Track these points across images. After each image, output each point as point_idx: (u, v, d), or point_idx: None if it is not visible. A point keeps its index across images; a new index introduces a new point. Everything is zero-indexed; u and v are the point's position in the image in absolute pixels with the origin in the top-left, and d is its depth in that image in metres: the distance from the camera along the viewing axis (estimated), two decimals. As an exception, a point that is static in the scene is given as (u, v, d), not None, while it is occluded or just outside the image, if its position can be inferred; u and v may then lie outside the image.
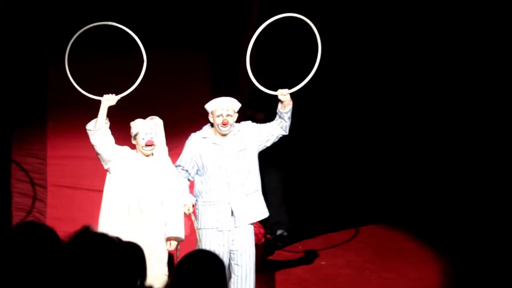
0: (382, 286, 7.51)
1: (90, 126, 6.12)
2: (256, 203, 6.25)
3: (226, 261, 6.14)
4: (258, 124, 6.33)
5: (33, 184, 8.11)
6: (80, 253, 3.08)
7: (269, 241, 8.80)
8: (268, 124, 6.32)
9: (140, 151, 6.13)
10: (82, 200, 7.98)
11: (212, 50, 8.19)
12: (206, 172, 6.18)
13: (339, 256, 8.27)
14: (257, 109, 8.42)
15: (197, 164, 6.22)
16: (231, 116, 6.16)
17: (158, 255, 6.05)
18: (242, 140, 6.22)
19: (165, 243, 6.12)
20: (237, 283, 6.19)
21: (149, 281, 5.43)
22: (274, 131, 6.27)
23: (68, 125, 7.96)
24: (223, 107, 6.15)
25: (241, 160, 6.18)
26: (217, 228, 6.15)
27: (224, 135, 6.18)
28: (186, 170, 6.25)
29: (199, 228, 6.16)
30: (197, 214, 6.24)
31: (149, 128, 6.10)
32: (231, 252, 6.17)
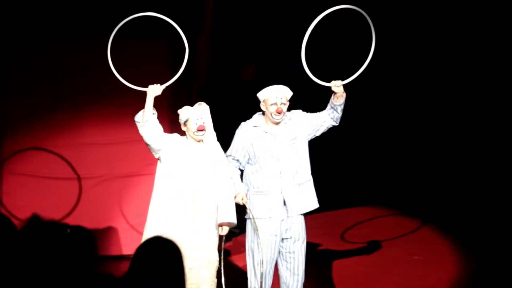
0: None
1: (138, 118, 6.06)
2: (308, 193, 6.18)
3: (276, 251, 6.12)
4: (309, 113, 6.23)
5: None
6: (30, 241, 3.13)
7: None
8: (318, 113, 6.21)
9: (192, 136, 6.08)
10: (40, 187, 8.00)
11: (171, 38, 8.22)
12: (257, 162, 6.12)
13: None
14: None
15: (248, 153, 6.15)
16: (285, 104, 6.08)
17: (209, 242, 6.04)
18: (293, 128, 6.14)
19: (217, 228, 6.09)
20: (289, 270, 6.17)
21: (200, 267, 5.46)
22: (324, 121, 6.18)
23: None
24: (277, 95, 6.06)
25: (293, 149, 6.11)
26: (269, 217, 6.10)
27: (276, 123, 6.11)
28: (237, 160, 6.18)
29: (255, 218, 6.09)
30: (249, 203, 6.15)
31: (199, 114, 6.05)
32: (284, 240, 6.12)
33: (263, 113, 6.18)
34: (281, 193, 6.07)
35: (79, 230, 3.50)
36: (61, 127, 8.18)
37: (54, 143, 8.14)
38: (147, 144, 6.07)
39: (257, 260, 6.05)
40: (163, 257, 3.44)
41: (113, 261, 7.83)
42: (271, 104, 6.05)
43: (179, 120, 6.11)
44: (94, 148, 8.26)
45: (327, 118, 6.17)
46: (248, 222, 6.18)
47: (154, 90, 6.06)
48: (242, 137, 6.15)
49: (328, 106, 6.16)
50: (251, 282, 6.16)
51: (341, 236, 8.80)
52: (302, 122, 6.17)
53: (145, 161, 7.76)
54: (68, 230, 3.20)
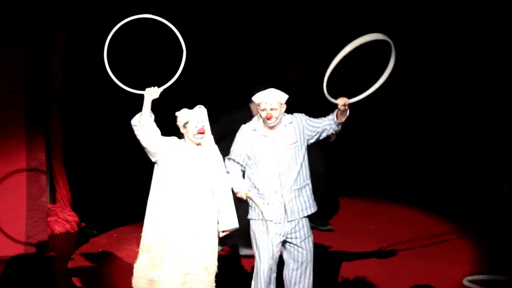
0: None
1: (134, 121, 5.91)
2: (306, 197, 6.13)
3: (278, 251, 6.09)
4: (311, 119, 6.14)
5: None
6: None
7: (83, 229, 8.86)
8: (321, 120, 6.13)
9: (191, 139, 5.95)
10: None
11: (27, 38, 8.10)
12: (257, 165, 6.04)
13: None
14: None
15: (248, 156, 6.07)
16: (276, 109, 5.98)
17: (208, 246, 5.92)
18: (293, 133, 6.07)
19: (218, 233, 5.99)
20: (299, 269, 6.12)
21: (198, 273, 5.85)
22: (324, 130, 6.11)
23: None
24: (266, 100, 5.99)
25: (292, 154, 6.04)
26: (271, 220, 6.02)
27: (272, 127, 6.06)
28: (238, 163, 6.11)
29: (258, 219, 6.05)
30: (250, 205, 6.11)
31: (199, 117, 5.93)
32: (290, 239, 6.08)
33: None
34: (282, 196, 6.06)
35: None
36: None
37: None
38: (143, 147, 5.96)
39: (263, 254, 6.05)
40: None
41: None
42: (262, 110, 6.03)
43: (178, 122, 5.98)
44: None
45: (327, 128, 6.13)
46: (251, 222, 6.15)
47: (151, 93, 5.90)
48: (242, 141, 6.13)
49: (331, 117, 6.12)
50: (257, 277, 6.14)
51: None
52: (303, 126, 6.12)
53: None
54: None
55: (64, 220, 8.84)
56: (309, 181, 6.16)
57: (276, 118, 6.00)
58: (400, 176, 10.46)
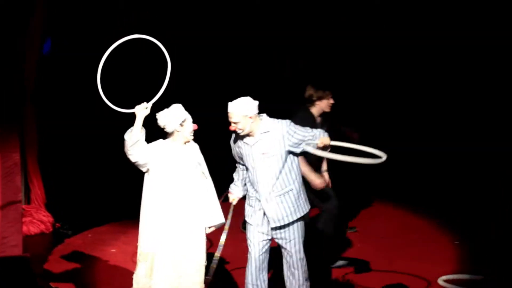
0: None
1: (126, 136, 5.87)
2: (290, 202, 6.12)
3: (265, 247, 6.19)
4: (295, 128, 6.08)
5: None
6: None
7: (58, 229, 8.84)
8: (304, 132, 6.08)
9: (186, 137, 5.95)
10: None
11: (0, 39, 8.07)
12: (247, 168, 6.17)
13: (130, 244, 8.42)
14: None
15: (240, 158, 6.20)
16: (238, 122, 5.98)
17: (198, 245, 5.97)
18: (267, 143, 6.07)
19: (205, 229, 6.03)
20: (288, 268, 6.24)
21: (191, 273, 5.90)
22: (302, 146, 6.07)
23: None
24: (228, 113, 6.03)
25: (270, 162, 6.06)
26: (254, 223, 6.17)
27: (249, 135, 6.07)
28: (239, 163, 6.24)
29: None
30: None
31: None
32: (276, 240, 6.20)
33: None
34: (259, 202, 6.14)
35: None
36: None
37: None
38: (133, 162, 5.94)
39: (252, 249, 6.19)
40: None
41: None
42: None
43: (170, 122, 5.92)
44: None
45: (306, 146, 6.07)
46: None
47: (142, 110, 5.89)
48: (233, 145, 6.24)
49: (311, 143, 6.07)
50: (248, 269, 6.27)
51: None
52: (282, 135, 6.07)
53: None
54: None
55: (39, 220, 8.81)
56: (292, 186, 6.14)
57: (243, 130, 6.03)
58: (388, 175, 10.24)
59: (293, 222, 6.17)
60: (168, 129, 5.97)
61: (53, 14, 8.86)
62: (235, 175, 6.36)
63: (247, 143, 6.11)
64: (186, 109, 6.01)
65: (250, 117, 6.02)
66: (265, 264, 6.26)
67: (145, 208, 5.98)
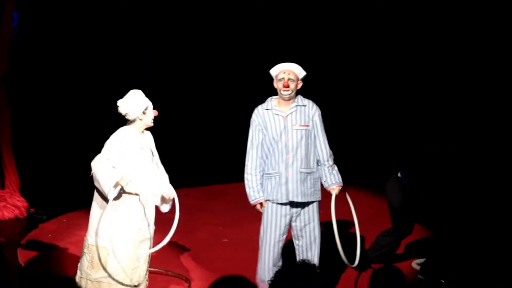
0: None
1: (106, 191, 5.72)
2: (310, 184, 6.18)
3: (283, 233, 6.20)
4: (321, 122, 6.24)
5: None
6: None
7: (32, 214, 8.83)
8: (322, 138, 6.23)
9: (147, 124, 5.85)
10: None
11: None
12: (271, 144, 6.14)
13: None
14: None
15: (264, 135, 6.16)
16: (293, 81, 6.11)
17: (150, 236, 5.94)
18: (305, 116, 6.17)
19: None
20: (301, 253, 6.27)
21: (141, 264, 5.86)
22: (316, 147, 6.22)
23: None
24: (284, 70, 6.12)
25: (302, 135, 6.14)
26: (276, 200, 6.15)
27: (286, 100, 6.14)
28: (262, 147, 6.17)
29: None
30: (263, 186, 6.21)
31: None
32: (294, 222, 6.21)
33: (276, 94, 6.24)
34: (286, 176, 6.12)
35: None
36: None
37: None
38: None
39: (268, 242, 6.19)
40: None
41: None
42: (279, 80, 6.14)
43: (133, 110, 5.78)
44: None
45: (318, 154, 6.23)
46: (264, 210, 6.23)
47: (127, 183, 5.70)
48: (258, 121, 6.20)
49: (324, 165, 6.22)
50: (261, 262, 6.27)
51: None
52: (312, 115, 6.20)
53: None
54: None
55: (13, 205, 8.79)
56: (314, 170, 6.22)
57: (292, 91, 6.13)
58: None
59: (313, 205, 6.22)
60: (130, 117, 5.83)
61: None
62: (252, 176, 6.22)
63: (278, 114, 6.15)
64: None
65: (299, 82, 6.18)
66: (280, 256, 6.25)
67: (98, 199, 5.88)
